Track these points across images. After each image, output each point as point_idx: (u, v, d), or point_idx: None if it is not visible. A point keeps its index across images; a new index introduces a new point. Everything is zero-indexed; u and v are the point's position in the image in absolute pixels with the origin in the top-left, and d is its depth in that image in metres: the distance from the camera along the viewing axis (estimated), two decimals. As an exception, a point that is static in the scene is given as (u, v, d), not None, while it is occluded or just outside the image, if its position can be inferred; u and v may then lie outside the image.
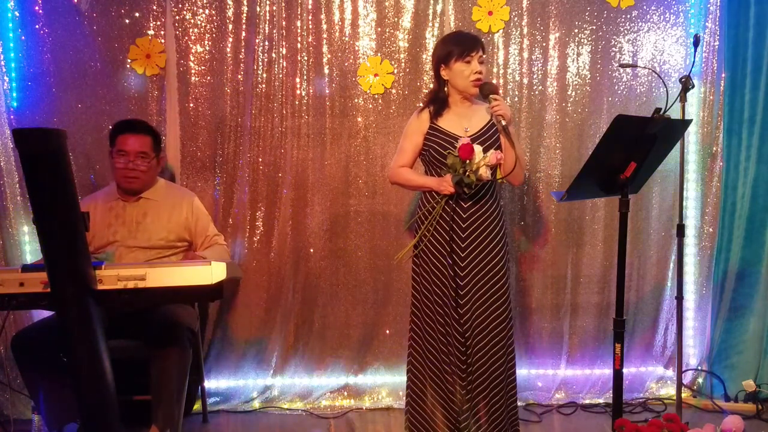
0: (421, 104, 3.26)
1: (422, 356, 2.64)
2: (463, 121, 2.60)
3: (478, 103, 2.66)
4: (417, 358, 2.66)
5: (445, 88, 2.63)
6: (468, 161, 2.43)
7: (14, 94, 3.18)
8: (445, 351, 2.56)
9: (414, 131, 2.65)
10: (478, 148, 2.44)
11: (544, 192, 3.37)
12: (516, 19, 3.32)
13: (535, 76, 3.35)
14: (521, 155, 2.60)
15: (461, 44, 2.56)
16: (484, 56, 2.60)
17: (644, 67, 3.33)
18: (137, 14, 3.22)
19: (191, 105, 3.27)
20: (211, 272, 2.13)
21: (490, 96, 2.52)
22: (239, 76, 3.26)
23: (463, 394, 2.54)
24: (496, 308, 2.56)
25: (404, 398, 3.28)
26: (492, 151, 2.46)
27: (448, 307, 2.55)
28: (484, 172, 2.43)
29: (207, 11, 3.25)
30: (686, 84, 2.79)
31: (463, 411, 2.54)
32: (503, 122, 2.49)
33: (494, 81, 3.31)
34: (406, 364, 2.75)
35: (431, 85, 3.28)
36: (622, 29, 3.35)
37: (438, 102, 2.64)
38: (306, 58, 3.29)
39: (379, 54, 3.30)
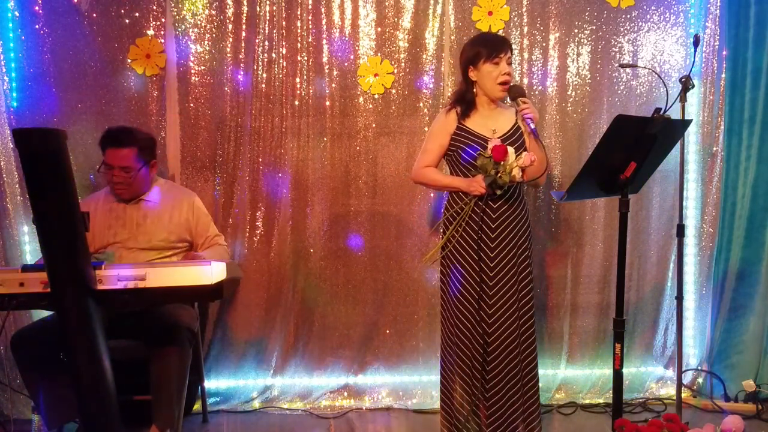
0: (425, 105, 3.29)
1: (451, 356, 2.63)
2: (489, 122, 2.61)
3: (503, 105, 2.68)
4: (447, 358, 2.66)
5: (474, 90, 2.63)
6: (501, 162, 2.44)
7: (14, 94, 3.18)
8: (468, 354, 2.56)
9: (440, 131, 2.64)
10: (510, 150, 2.45)
11: (544, 192, 3.37)
12: (516, 19, 3.32)
13: (535, 76, 3.35)
14: (546, 156, 2.61)
15: (489, 46, 2.56)
16: (511, 58, 2.60)
17: (644, 67, 3.33)
18: (137, 14, 3.22)
19: (191, 105, 3.27)
20: (211, 272, 2.13)
21: (519, 99, 2.53)
22: (239, 76, 3.26)
23: (486, 389, 2.54)
24: (523, 308, 2.58)
25: (405, 399, 3.31)
26: (524, 152, 2.48)
27: (473, 309, 2.55)
28: (517, 173, 2.45)
29: (207, 11, 3.25)
30: (686, 84, 2.79)
31: (487, 407, 2.54)
32: (532, 125, 2.50)
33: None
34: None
35: (431, 85, 3.29)
36: (622, 29, 3.35)
37: (465, 103, 2.63)
38: (306, 58, 3.29)
39: (379, 54, 3.31)
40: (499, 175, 2.44)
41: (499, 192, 2.49)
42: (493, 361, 2.55)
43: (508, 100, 2.65)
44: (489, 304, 2.55)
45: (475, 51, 2.58)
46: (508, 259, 2.57)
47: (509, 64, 2.58)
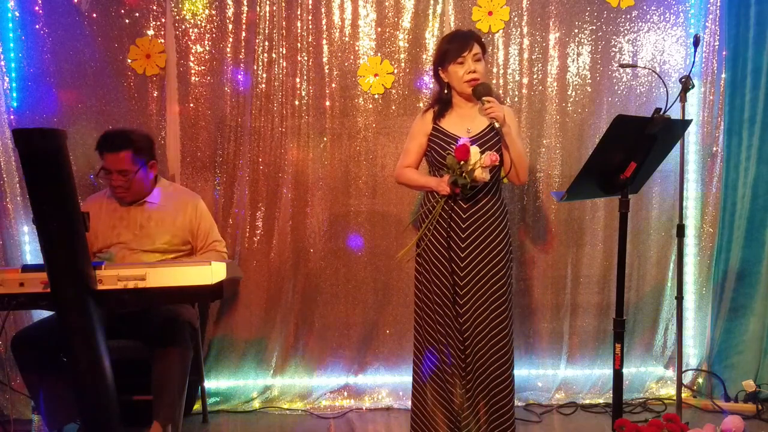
0: (425, 105, 3.27)
1: (424, 356, 2.64)
2: (465, 121, 2.59)
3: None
4: (420, 357, 2.66)
5: (446, 90, 2.62)
6: (464, 162, 2.42)
7: (14, 94, 3.18)
8: (445, 352, 2.57)
9: (418, 132, 2.65)
10: (474, 150, 2.42)
11: (544, 192, 3.37)
12: (516, 19, 3.32)
13: (535, 76, 3.35)
14: (521, 156, 2.58)
15: (454, 45, 2.54)
16: (480, 53, 2.55)
17: (644, 67, 3.33)
18: (137, 14, 3.22)
19: (191, 105, 3.27)
20: (211, 272, 2.14)
21: (483, 98, 2.49)
22: (239, 76, 3.27)
23: (463, 393, 2.54)
24: (496, 308, 2.56)
25: (405, 399, 3.31)
26: (488, 152, 2.45)
27: (447, 307, 2.55)
28: (480, 174, 2.41)
29: (207, 11, 3.25)
30: (686, 84, 2.79)
31: (463, 410, 2.54)
32: (496, 124, 2.48)
33: (494, 81, 3.31)
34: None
35: (431, 85, 3.29)
36: (622, 29, 3.35)
37: (442, 103, 2.63)
38: (306, 58, 3.29)
39: (379, 54, 3.31)
40: (462, 174, 2.43)
41: (467, 192, 2.47)
42: (467, 359, 2.53)
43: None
44: (461, 304, 2.53)
45: (442, 52, 2.58)
46: (479, 260, 2.54)
47: (477, 60, 2.53)
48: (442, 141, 2.56)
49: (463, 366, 2.54)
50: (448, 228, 2.55)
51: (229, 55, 3.25)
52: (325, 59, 3.29)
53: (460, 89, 2.57)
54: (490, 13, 3.29)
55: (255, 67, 3.26)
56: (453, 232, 2.55)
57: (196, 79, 3.26)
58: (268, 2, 3.24)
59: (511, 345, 2.61)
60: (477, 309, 2.54)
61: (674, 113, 2.55)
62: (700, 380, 3.42)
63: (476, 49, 2.54)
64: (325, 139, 3.33)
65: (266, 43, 3.26)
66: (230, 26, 3.25)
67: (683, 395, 3.15)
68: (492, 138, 2.56)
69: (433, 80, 3.27)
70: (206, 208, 2.97)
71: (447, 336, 2.56)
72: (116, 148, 2.72)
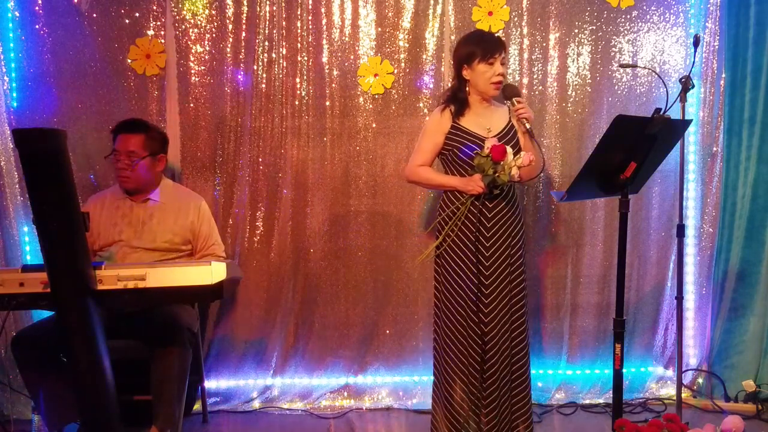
0: (428, 104, 3.28)
1: (449, 356, 2.62)
2: (483, 121, 2.61)
3: (495, 104, 2.69)
4: (443, 359, 2.65)
5: (466, 88, 2.63)
6: (500, 162, 2.45)
7: (14, 94, 3.18)
8: (465, 353, 2.57)
9: (435, 130, 2.64)
10: (509, 149, 2.47)
11: (544, 192, 3.37)
12: (516, 19, 3.32)
13: (535, 76, 3.35)
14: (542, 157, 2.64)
15: (485, 46, 2.56)
16: (505, 57, 2.62)
17: (644, 67, 3.32)
18: (137, 14, 3.22)
19: (191, 105, 3.27)
20: (211, 272, 2.13)
21: (514, 99, 2.55)
22: (239, 76, 3.27)
23: (484, 388, 2.55)
24: (516, 303, 2.61)
25: (405, 399, 3.31)
26: (522, 152, 2.50)
27: (470, 309, 2.56)
28: (516, 173, 2.47)
29: (207, 11, 3.25)
30: (686, 84, 2.79)
31: (485, 405, 2.55)
32: (527, 125, 2.52)
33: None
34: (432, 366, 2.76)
35: (431, 85, 3.29)
36: (622, 29, 3.35)
37: (458, 102, 2.64)
38: (306, 58, 3.29)
39: (379, 54, 3.31)
40: (498, 174, 2.46)
41: (497, 191, 2.51)
42: (490, 361, 2.55)
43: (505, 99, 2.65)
44: (485, 303, 2.55)
45: (470, 50, 2.58)
46: (502, 259, 2.58)
47: (503, 64, 2.59)
48: (465, 140, 2.57)
49: (481, 362, 2.55)
50: (476, 230, 2.56)
51: (229, 55, 3.25)
52: (325, 59, 3.29)
53: (484, 88, 2.59)
54: (490, 13, 3.29)
55: (255, 67, 3.26)
56: (480, 234, 2.56)
57: (196, 79, 3.26)
58: (268, 2, 3.24)
59: (528, 340, 2.67)
60: (502, 308, 2.57)
61: (674, 113, 2.55)
62: (700, 380, 3.42)
63: (504, 54, 2.60)
64: (325, 139, 3.33)
65: (266, 43, 3.26)
66: (230, 26, 3.25)
67: (683, 395, 3.15)
68: (512, 137, 2.60)
69: (433, 80, 3.29)
70: (209, 211, 2.98)
71: (468, 337, 2.56)
72: (131, 129, 2.79)
